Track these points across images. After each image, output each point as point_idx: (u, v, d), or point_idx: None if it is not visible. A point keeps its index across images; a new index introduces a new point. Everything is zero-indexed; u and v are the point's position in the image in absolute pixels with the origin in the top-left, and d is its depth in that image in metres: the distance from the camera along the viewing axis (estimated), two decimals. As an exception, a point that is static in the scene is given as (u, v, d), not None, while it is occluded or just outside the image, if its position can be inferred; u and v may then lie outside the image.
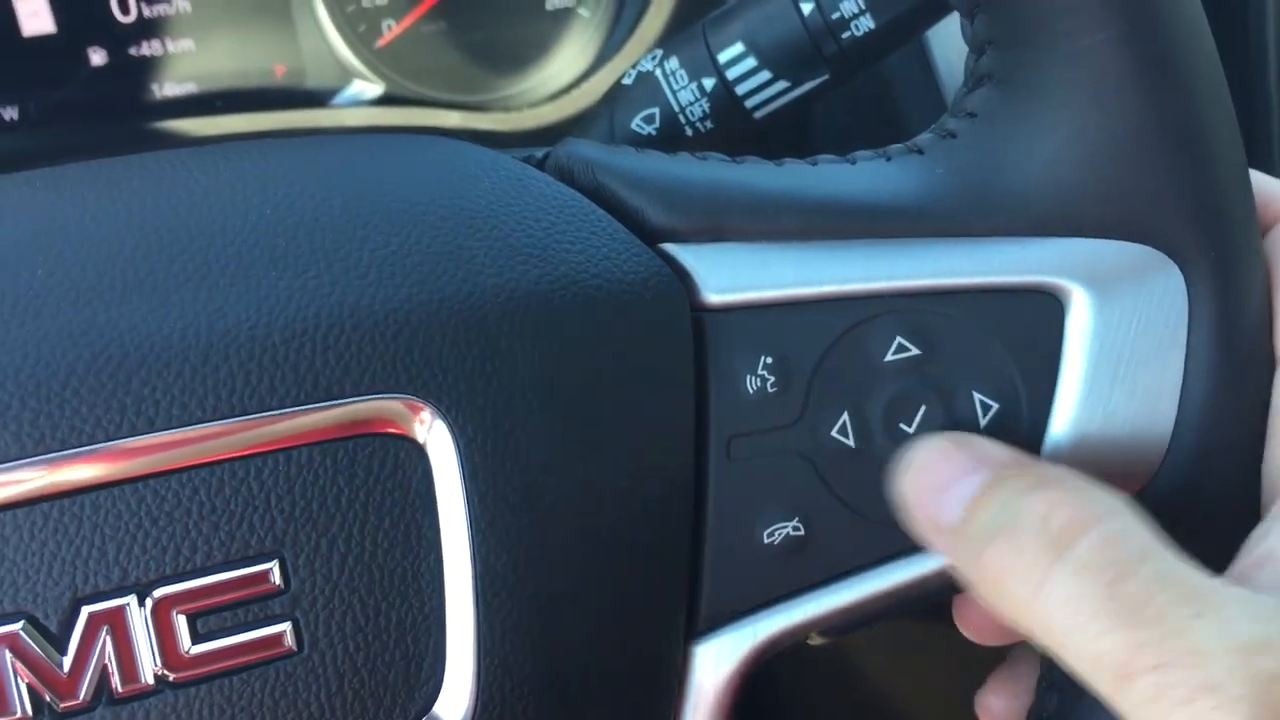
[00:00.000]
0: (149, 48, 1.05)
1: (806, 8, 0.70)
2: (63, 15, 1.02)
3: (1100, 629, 0.41)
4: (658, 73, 0.74)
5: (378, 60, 1.09)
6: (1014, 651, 0.66)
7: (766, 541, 0.51)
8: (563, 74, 1.13)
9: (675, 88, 0.73)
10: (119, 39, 1.04)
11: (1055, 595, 0.42)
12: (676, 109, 0.73)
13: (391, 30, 1.09)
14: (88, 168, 0.52)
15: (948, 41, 0.89)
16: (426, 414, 0.46)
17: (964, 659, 0.69)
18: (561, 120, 1.06)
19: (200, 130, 1.03)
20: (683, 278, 0.51)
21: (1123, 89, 0.47)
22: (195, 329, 0.45)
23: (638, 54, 1.06)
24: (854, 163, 0.54)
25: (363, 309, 0.46)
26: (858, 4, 0.69)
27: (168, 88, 1.07)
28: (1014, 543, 0.44)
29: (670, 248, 0.52)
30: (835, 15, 0.69)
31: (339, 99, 1.10)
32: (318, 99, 1.10)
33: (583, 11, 1.13)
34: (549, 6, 1.12)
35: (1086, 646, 0.41)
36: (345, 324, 0.46)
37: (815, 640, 0.58)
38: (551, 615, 0.48)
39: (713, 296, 0.51)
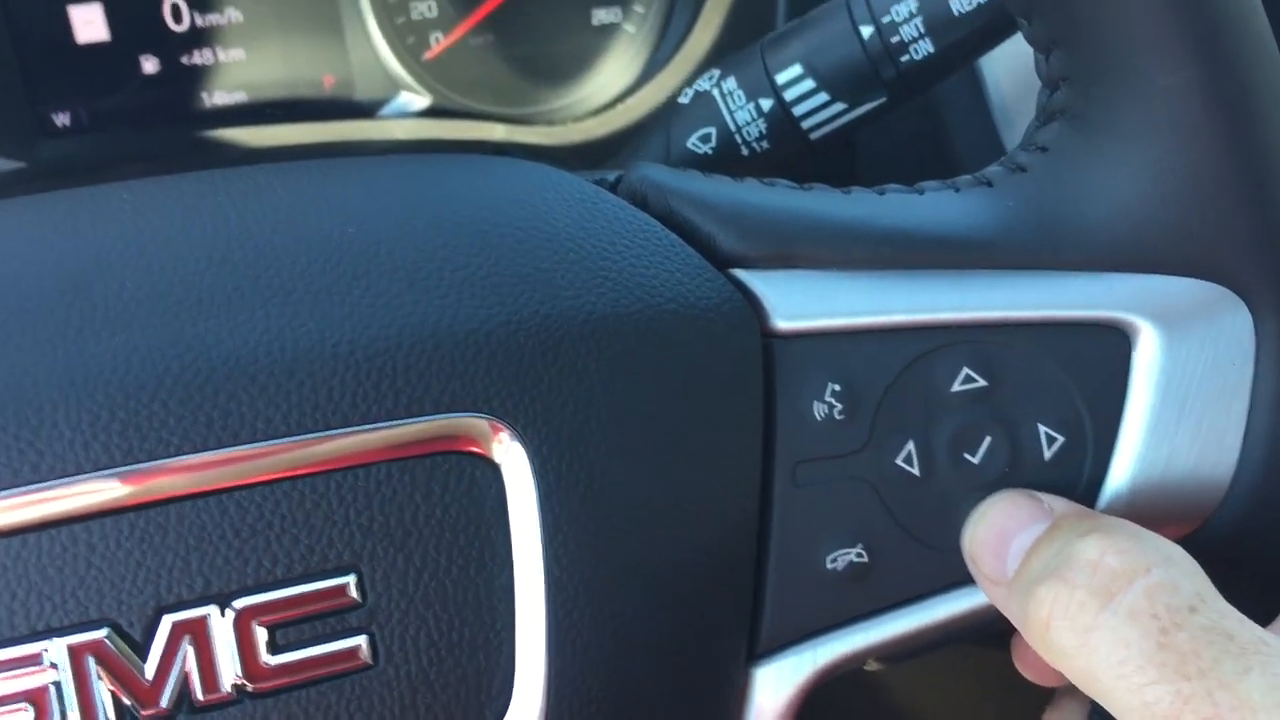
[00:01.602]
0: (200, 56, 1.06)
1: (866, 31, 0.70)
2: (117, 23, 1.03)
3: (1147, 679, 0.40)
4: (714, 92, 0.75)
5: (425, 72, 1.10)
6: (1062, 691, 0.66)
7: (829, 567, 0.51)
8: (607, 89, 1.14)
9: (732, 108, 0.74)
10: (171, 47, 1.05)
11: (1103, 642, 0.42)
12: (733, 129, 0.74)
13: (439, 43, 1.10)
14: (174, 182, 0.53)
15: (1000, 64, 0.90)
16: (503, 433, 0.47)
17: (1005, 688, 0.69)
18: (607, 135, 1.07)
19: (249, 140, 1.04)
20: (753, 304, 0.52)
21: (1200, 130, 0.47)
22: (280, 344, 0.45)
23: (684, 71, 1.07)
24: (922, 193, 0.55)
25: (443, 328, 0.47)
26: (918, 28, 0.69)
27: (218, 96, 1.08)
28: (1063, 588, 0.44)
29: (740, 274, 0.52)
30: (895, 39, 0.70)
31: (386, 110, 1.11)
32: (365, 110, 1.11)
33: (628, 27, 1.13)
34: (594, 21, 1.13)
35: (1133, 696, 0.41)
36: (426, 343, 0.46)
37: (872, 666, 0.58)
38: (619, 634, 0.48)
39: (782, 323, 0.51)
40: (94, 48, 1.03)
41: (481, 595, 0.47)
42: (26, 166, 1.04)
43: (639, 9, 1.13)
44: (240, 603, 0.44)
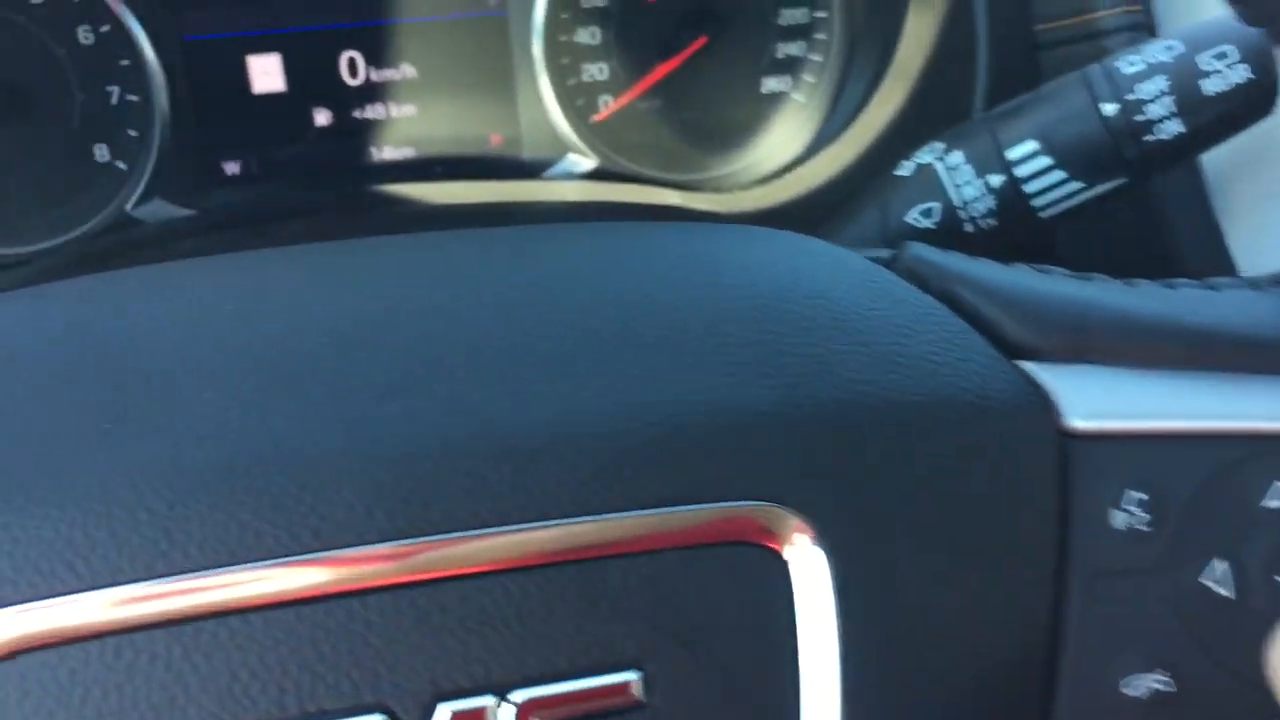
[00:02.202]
0: (372, 110, 1.06)
1: (1109, 109, 0.67)
2: (294, 74, 1.03)
3: None
4: (938, 166, 0.72)
5: (593, 134, 1.09)
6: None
7: (1125, 692, 0.47)
8: (775, 157, 1.12)
9: (958, 182, 0.71)
10: (345, 100, 1.05)
11: None
12: (958, 204, 0.71)
13: (609, 106, 1.09)
14: (437, 241, 0.51)
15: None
16: (794, 523, 0.43)
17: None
18: (780, 204, 1.05)
19: (416, 195, 1.03)
20: (1044, 398, 0.48)
21: None
22: (566, 418, 0.43)
23: (860, 143, 1.04)
24: (1218, 290, 0.51)
25: (734, 410, 0.44)
26: (1168, 106, 0.66)
27: (386, 151, 1.07)
28: None
29: (1030, 366, 0.49)
30: (1140, 117, 0.67)
31: (552, 171, 1.09)
32: (531, 169, 1.09)
33: (797, 96, 1.11)
34: (763, 90, 1.11)
35: None
36: (717, 424, 0.43)
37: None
38: (907, 747, 0.45)
39: (1078, 422, 0.48)
40: (270, 98, 1.03)
41: (768, 702, 0.43)
42: (197, 215, 1.03)
43: (809, 79, 1.11)
44: (520, 695, 0.41)
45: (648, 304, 0.46)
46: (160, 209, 1.03)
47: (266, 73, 1.02)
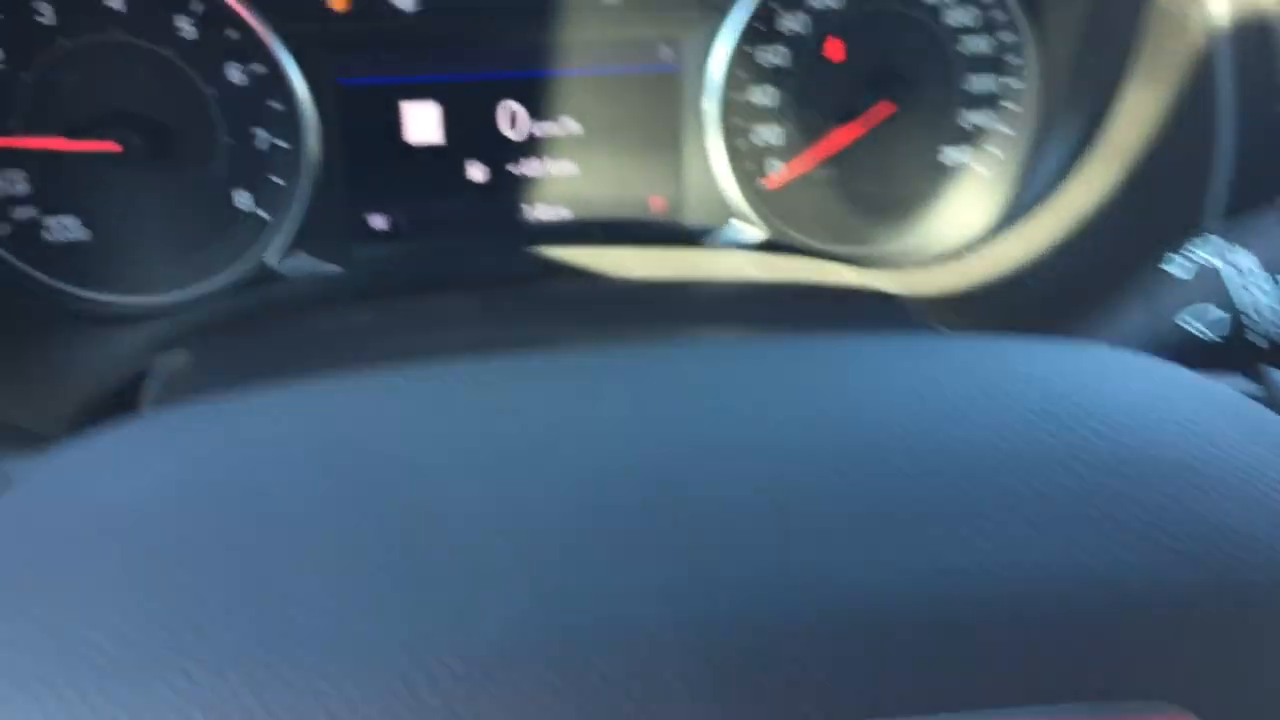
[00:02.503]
0: (530, 167, 0.99)
1: None
2: (451, 126, 0.96)
3: None
4: (1223, 269, 0.63)
5: (762, 202, 1.01)
6: None
7: None
8: (954, 234, 1.03)
9: (1250, 289, 0.62)
10: (502, 155, 0.98)
11: None
12: (1251, 314, 0.62)
13: (780, 172, 1.01)
14: (662, 356, 0.43)
15: None
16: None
17: None
18: (969, 288, 0.96)
19: (572, 260, 0.95)
20: None
21: None
22: (936, 596, 0.34)
23: (1059, 226, 0.95)
24: None
25: (1126, 587, 0.35)
26: None
27: (541, 210, 1.00)
28: None
29: None
30: None
31: (715, 239, 1.02)
32: (692, 237, 1.02)
33: (981, 169, 1.03)
34: (945, 161, 1.03)
35: None
36: (1121, 608, 0.35)
37: None
38: None
39: None
40: (424, 149, 0.96)
41: None
42: (342, 273, 0.97)
43: (995, 151, 1.02)
44: None
45: (996, 448, 0.38)
46: (302, 263, 0.97)
47: (422, 123, 0.96)
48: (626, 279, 0.89)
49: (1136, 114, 0.89)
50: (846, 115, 0.99)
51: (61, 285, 0.95)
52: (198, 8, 0.89)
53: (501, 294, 0.88)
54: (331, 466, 0.36)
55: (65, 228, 0.94)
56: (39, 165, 0.92)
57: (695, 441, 0.39)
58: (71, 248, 0.94)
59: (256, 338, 0.77)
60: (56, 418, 0.77)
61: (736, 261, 0.95)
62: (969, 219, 1.03)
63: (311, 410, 0.40)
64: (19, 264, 0.94)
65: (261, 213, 0.96)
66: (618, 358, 0.46)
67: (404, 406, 0.41)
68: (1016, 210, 1.01)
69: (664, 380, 0.43)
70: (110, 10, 0.88)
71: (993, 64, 1.00)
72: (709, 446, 0.38)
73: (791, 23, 0.96)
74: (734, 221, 1.01)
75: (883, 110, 0.97)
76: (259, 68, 0.92)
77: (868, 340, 0.47)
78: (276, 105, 0.93)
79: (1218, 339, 0.62)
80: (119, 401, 0.77)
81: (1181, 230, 0.70)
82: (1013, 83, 1.00)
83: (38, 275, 0.94)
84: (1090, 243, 0.91)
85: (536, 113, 0.97)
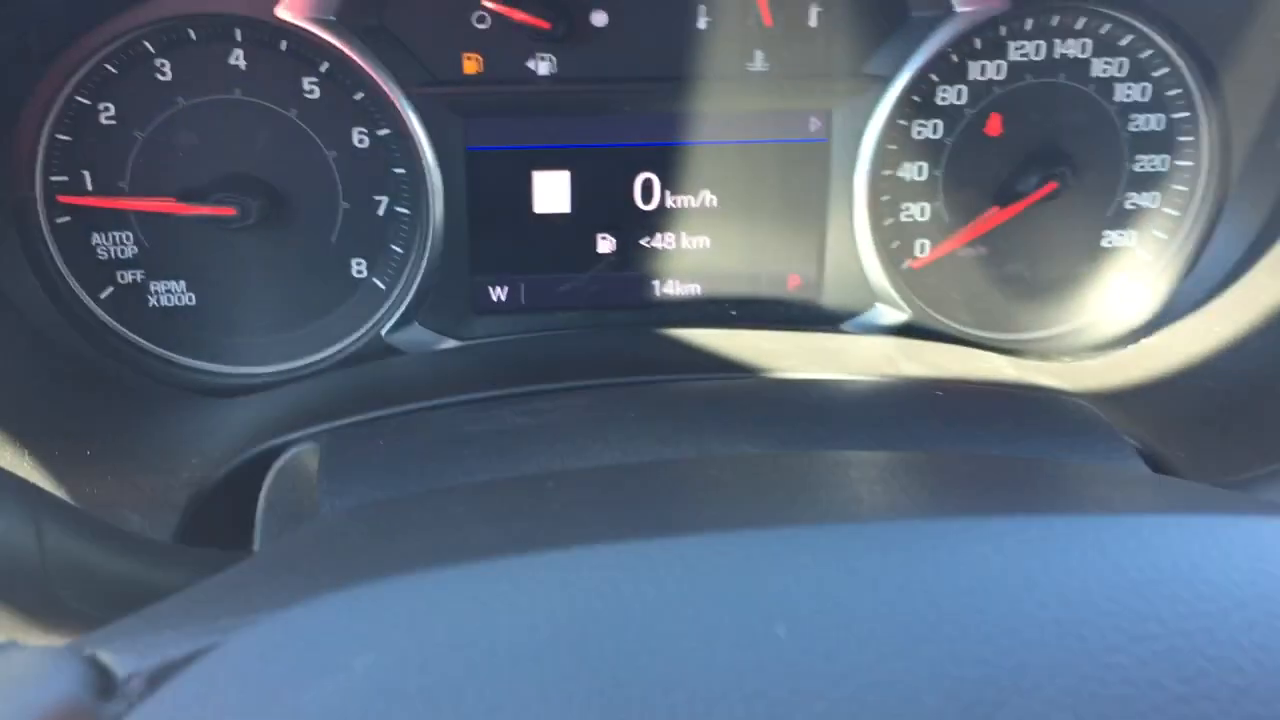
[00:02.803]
0: (662, 240, 0.92)
1: None
2: (583, 196, 0.90)
3: None
4: None
5: (905, 282, 0.94)
6: None
7: None
8: (1112, 323, 0.96)
9: None
10: (634, 227, 0.91)
11: None
12: None
13: (927, 252, 0.94)
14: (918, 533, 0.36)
15: None
16: None
17: None
18: (1134, 384, 0.88)
19: (703, 342, 0.88)
20: None
21: None
22: None
23: (1237, 320, 0.87)
24: None
25: None
26: None
27: (670, 285, 0.94)
28: None
29: None
30: None
31: (857, 322, 0.95)
32: (832, 319, 0.95)
33: (1143, 253, 0.95)
34: (1104, 243, 0.95)
35: None
36: None
37: None
38: None
39: None
40: (551, 219, 0.90)
41: None
42: (461, 348, 0.91)
43: (1159, 234, 0.95)
44: None
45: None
46: (417, 335, 0.91)
47: (552, 191, 0.90)
48: (772, 373, 0.82)
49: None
50: (1002, 193, 0.92)
51: (165, 353, 0.90)
52: (324, 67, 0.84)
53: (621, 367, 0.81)
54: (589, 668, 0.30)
55: (171, 292, 0.89)
56: (148, 227, 0.86)
57: (998, 646, 0.32)
58: (177, 313, 0.89)
59: (390, 426, 0.71)
60: (167, 510, 0.71)
61: (884, 350, 0.88)
62: (1130, 307, 0.96)
63: (551, 583, 0.34)
64: (122, 329, 0.89)
65: (377, 281, 0.91)
66: (869, 527, 0.39)
67: (652, 590, 0.35)
68: (1185, 299, 0.93)
69: (929, 558, 0.36)
70: (233, 68, 0.83)
71: (1163, 142, 0.92)
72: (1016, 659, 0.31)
73: (950, 95, 0.90)
74: (877, 304, 0.94)
75: (1047, 189, 0.90)
76: (384, 130, 0.86)
77: (1134, 517, 0.40)
78: (399, 170, 0.87)
79: None
80: (236, 494, 0.71)
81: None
82: (1184, 162, 0.93)
83: (141, 342, 0.89)
84: (1275, 339, 0.84)
85: (673, 184, 0.90)
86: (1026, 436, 0.67)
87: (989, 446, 0.66)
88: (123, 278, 0.88)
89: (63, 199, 0.84)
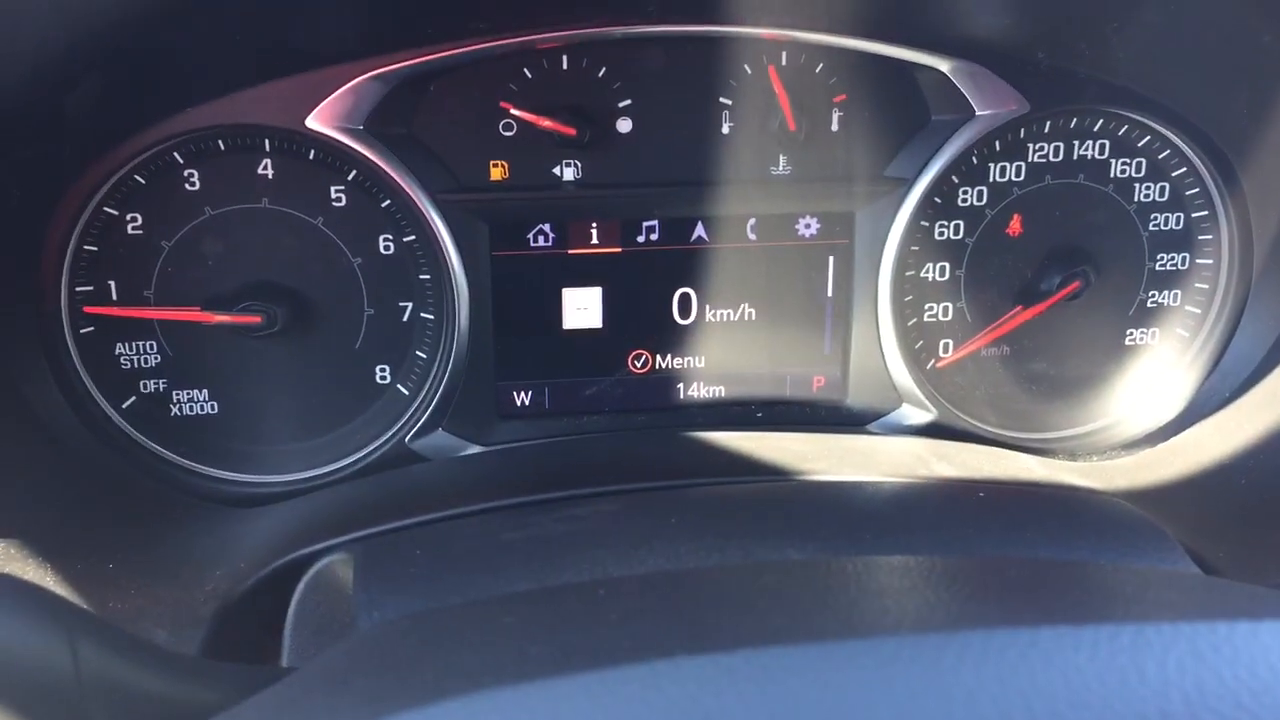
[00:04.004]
0: (690, 345, 0.92)
1: None
2: (613, 311, 0.90)
3: None
4: None
5: (929, 382, 0.94)
6: None
7: None
8: (1139, 422, 0.96)
9: None
10: (666, 341, 0.91)
11: None
12: None
13: (951, 351, 0.94)
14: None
15: None
16: None
17: None
18: (1164, 483, 0.87)
19: (727, 445, 0.87)
20: None
21: None
22: None
23: (1265, 418, 0.87)
24: None
25: None
26: None
27: (696, 388, 0.93)
28: None
29: None
30: None
31: (883, 423, 0.94)
32: (858, 419, 0.94)
33: (1167, 351, 0.95)
34: (1127, 341, 0.95)
35: None
36: None
37: None
38: None
39: None
40: (581, 334, 0.90)
41: None
42: (484, 454, 0.90)
43: (1182, 331, 0.95)
44: None
45: None
46: (441, 441, 0.90)
47: (583, 308, 0.90)
48: (803, 476, 0.81)
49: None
50: (1025, 293, 0.92)
51: (186, 462, 0.89)
52: (351, 175, 0.84)
53: (646, 472, 0.80)
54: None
55: (194, 401, 0.88)
56: (172, 336, 0.86)
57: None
58: (199, 422, 0.88)
59: (422, 535, 0.69)
60: (192, 623, 0.69)
61: (915, 451, 0.87)
62: (1156, 405, 0.95)
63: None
64: (143, 439, 0.88)
65: (401, 387, 0.90)
66: (931, 637, 0.38)
67: (721, 705, 0.34)
68: (1211, 396, 0.93)
69: (998, 670, 0.35)
70: (261, 177, 0.83)
71: (1183, 240, 0.93)
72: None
73: (971, 196, 0.90)
74: (904, 405, 0.93)
75: (1070, 288, 0.90)
76: (410, 237, 0.86)
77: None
78: (425, 276, 0.87)
79: None
80: (262, 606, 0.69)
81: None
82: (1204, 260, 0.93)
83: (162, 451, 0.88)
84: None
85: (699, 287, 0.90)
86: (1075, 538, 0.66)
87: (1039, 549, 0.65)
88: (145, 387, 0.87)
89: (88, 310, 0.84)
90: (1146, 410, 0.95)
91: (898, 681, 0.34)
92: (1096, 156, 0.90)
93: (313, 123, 0.81)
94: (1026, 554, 0.63)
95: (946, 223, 0.91)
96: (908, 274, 0.91)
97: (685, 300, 0.90)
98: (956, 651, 0.34)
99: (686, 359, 0.92)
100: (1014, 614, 0.38)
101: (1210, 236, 0.93)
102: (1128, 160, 0.90)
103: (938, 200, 0.90)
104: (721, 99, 0.86)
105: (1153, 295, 0.94)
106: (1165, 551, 0.65)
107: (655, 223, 0.88)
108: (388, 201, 0.85)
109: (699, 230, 0.89)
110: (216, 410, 0.88)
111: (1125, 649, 0.35)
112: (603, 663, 0.37)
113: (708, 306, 0.90)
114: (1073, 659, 0.34)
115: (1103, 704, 0.32)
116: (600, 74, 0.85)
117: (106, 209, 0.83)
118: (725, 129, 0.87)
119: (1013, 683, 0.33)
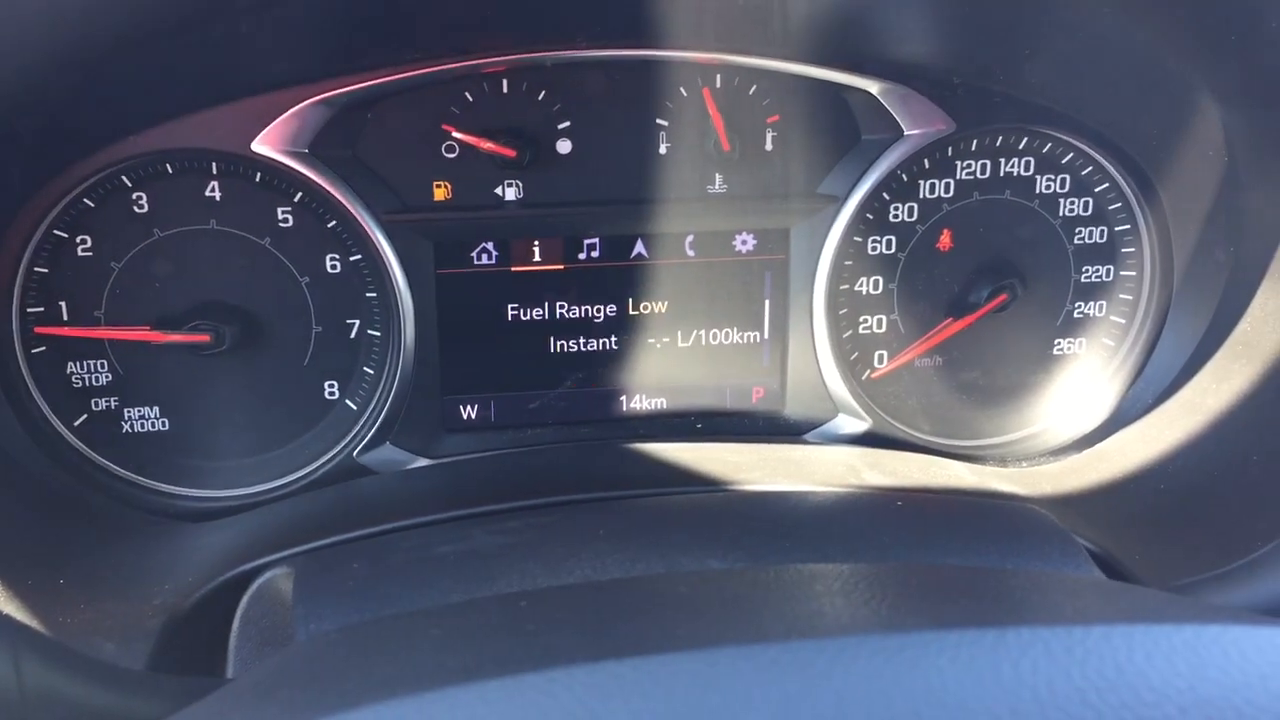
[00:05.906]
0: (628, 357, 0.95)
1: None
2: (552, 317, 0.92)
3: None
4: None
5: (865, 393, 0.97)
6: None
7: None
8: (1066, 429, 0.99)
9: None
10: (601, 345, 0.94)
11: None
12: None
13: (885, 362, 0.97)
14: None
15: None
16: None
17: None
18: (1088, 489, 0.91)
19: (668, 455, 0.90)
20: None
21: None
22: None
23: (1185, 425, 0.90)
24: None
25: None
26: None
27: (637, 400, 0.96)
28: None
29: None
30: None
31: (819, 432, 0.97)
32: (795, 429, 0.97)
33: (1093, 360, 0.99)
34: (1055, 351, 0.99)
35: None
36: None
37: None
38: None
39: None
40: (521, 339, 0.92)
41: None
42: (432, 467, 0.92)
43: (1107, 341, 0.98)
44: None
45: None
46: (388, 454, 0.92)
47: (522, 312, 0.92)
48: (738, 485, 0.84)
49: (1271, 305, 0.85)
50: (956, 305, 0.95)
51: (137, 478, 0.90)
52: (298, 197, 0.87)
53: (589, 481, 0.83)
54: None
55: (145, 419, 0.90)
56: (123, 355, 0.88)
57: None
58: (150, 439, 0.90)
59: (363, 549, 0.72)
60: (140, 637, 0.71)
61: (847, 460, 0.90)
62: (1082, 412, 0.99)
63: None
64: (94, 456, 0.90)
65: (349, 403, 0.92)
66: (833, 641, 0.40)
67: (625, 710, 0.36)
68: (1135, 404, 0.96)
69: (890, 672, 0.38)
70: (209, 199, 0.85)
71: (1107, 253, 0.96)
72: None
73: (902, 213, 0.93)
74: (840, 415, 0.96)
75: (998, 301, 0.94)
76: (357, 256, 0.89)
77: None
78: (371, 294, 0.90)
79: None
80: (209, 620, 0.71)
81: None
82: (1128, 272, 0.97)
83: (113, 468, 0.90)
84: (1227, 442, 0.86)
85: (638, 303, 0.93)
86: (985, 545, 0.69)
87: (948, 556, 0.68)
88: (97, 405, 0.89)
89: (39, 330, 0.86)
90: (1073, 417, 0.99)
91: (774, 686, 0.36)
92: (1022, 173, 0.93)
93: (259, 146, 0.83)
94: (935, 561, 0.65)
95: (879, 238, 0.94)
96: (842, 288, 0.94)
97: (627, 315, 0.93)
98: (830, 656, 0.37)
99: (629, 372, 0.94)
100: (893, 620, 0.41)
101: (1133, 249, 0.96)
102: (1052, 176, 0.93)
103: (869, 216, 0.93)
104: (659, 120, 0.89)
105: (1079, 306, 0.98)
106: (1069, 557, 0.68)
107: (596, 240, 0.91)
108: (334, 222, 0.87)
109: (639, 247, 0.91)
110: (167, 427, 0.90)
111: (985, 651, 0.37)
112: (508, 671, 0.40)
113: (649, 321, 0.93)
114: (935, 662, 0.37)
115: (958, 704, 0.35)
116: (540, 97, 0.87)
117: (56, 231, 0.84)
118: (663, 149, 0.90)
119: (877, 684, 0.36)
